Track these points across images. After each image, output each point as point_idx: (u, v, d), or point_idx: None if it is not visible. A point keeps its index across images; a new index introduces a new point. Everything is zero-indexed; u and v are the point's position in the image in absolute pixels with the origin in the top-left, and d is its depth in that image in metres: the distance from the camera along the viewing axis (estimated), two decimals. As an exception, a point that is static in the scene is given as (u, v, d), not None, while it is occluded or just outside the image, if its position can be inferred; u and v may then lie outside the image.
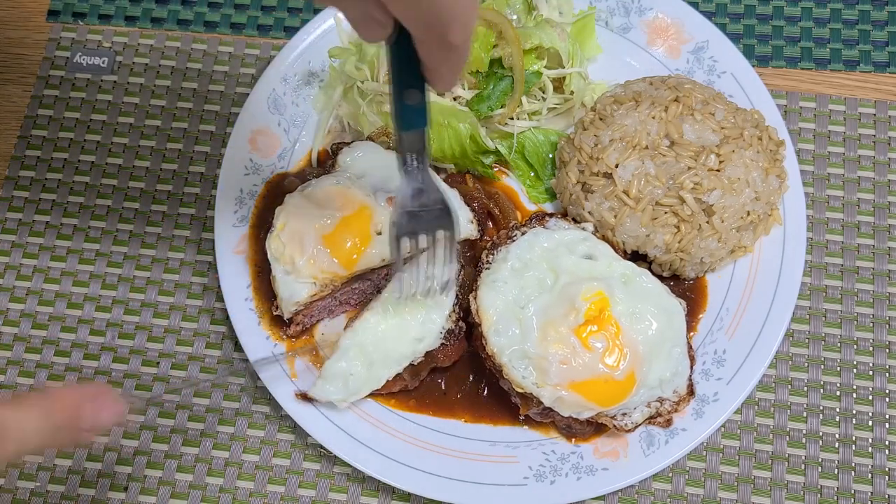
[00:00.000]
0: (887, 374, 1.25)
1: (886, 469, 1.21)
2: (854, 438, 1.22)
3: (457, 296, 1.21)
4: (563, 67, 1.34)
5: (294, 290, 1.21)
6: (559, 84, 1.36)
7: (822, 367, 1.26)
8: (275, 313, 1.25)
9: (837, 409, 1.24)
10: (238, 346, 1.28)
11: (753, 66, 1.38)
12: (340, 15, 1.23)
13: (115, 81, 1.48)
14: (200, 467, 1.24)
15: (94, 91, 1.48)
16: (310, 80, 1.41)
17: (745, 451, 1.22)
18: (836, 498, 1.19)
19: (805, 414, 1.24)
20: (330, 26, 1.42)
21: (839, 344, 1.27)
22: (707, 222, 1.20)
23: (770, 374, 1.25)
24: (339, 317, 1.29)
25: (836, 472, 1.21)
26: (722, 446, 1.22)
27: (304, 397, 1.20)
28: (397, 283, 1.12)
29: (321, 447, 1.21)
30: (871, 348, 1.26)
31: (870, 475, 1.20)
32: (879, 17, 1.46)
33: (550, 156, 1.36)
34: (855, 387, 1.25)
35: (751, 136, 1.24)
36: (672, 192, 1.20)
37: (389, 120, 1.32)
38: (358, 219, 1.22)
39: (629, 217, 1.21)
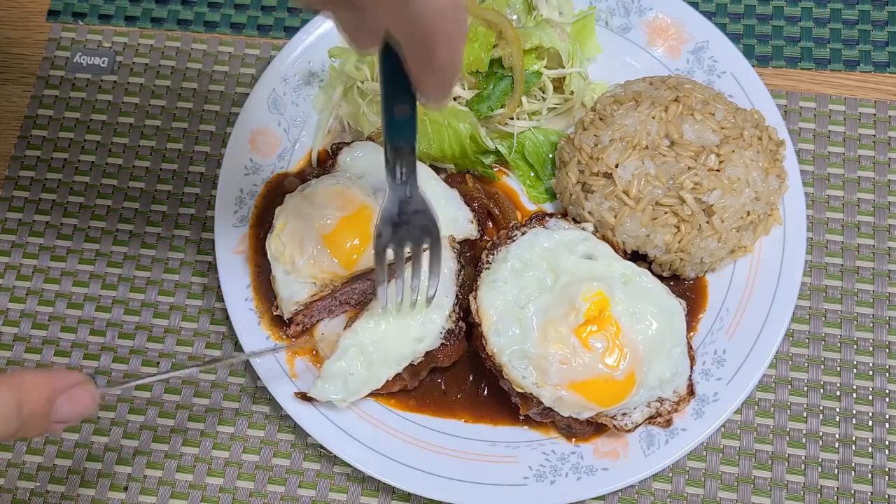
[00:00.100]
0: (887, 374, 1.25)
1: (886, 469, 1.21)
2: (854, 438, 1.22)
3: (457, 296, 1.21)
4: (563, 67, 1.34)
5: (294, 290, 1.21)
6: (559, 84, 1.36)
7: (822, 367, 1.26)
8: (275, 313, 1.25)
9: (837, 409, 1.24)
10: (238, 346, 1.28)
11: (753, 66, 1.38)
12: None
13: (115, 81, 1.48)
14: (200, 467, 1.24)
15: (94, 91, 1.48)
16: (310, 80, 1.41)
17: (745, 451, 1.22)
18: (836, 498, 1.19)
19: (805, 414, 1.24)
20: (330, 26, 1.42)
21: (839, 344, 1.27)
22: (707, 222, 1.20)
23: (770, 374, 1.25)
24: (339, 317, 1.29)
25: (836, 472, 1.21)
26: (722, 446, 1.22)
27: (304, 397, 1.20)
28: (382, 293, 1.11)
29: (321, 447, 1.21)
30: (871, 348, 1.26)
31: (870, 475, 1.20)
32: (879, 17, 1.46)
33: (550, 156, 1.36)
34: (855, 387, 1.25)
35: (751, 136, 1.24)
36: (672, 192, 1.20)
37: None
38: (358, 219, 1.22)
39: (629, 217, 1.21)
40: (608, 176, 1.23)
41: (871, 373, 1.25)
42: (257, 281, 1.28)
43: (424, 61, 0.77)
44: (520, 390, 1.14)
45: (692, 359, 1.21)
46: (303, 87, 1.41)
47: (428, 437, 1.21)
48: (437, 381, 1.24)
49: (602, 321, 1.13)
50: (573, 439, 1.19)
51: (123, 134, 1.45)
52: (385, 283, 1.09)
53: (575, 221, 1.26)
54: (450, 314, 1.19)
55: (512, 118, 1.34)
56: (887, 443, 1.22)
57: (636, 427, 1.17)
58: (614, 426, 1.16)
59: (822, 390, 1.25)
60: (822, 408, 1.24)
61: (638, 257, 1.25)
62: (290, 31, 1.47)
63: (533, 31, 1.31)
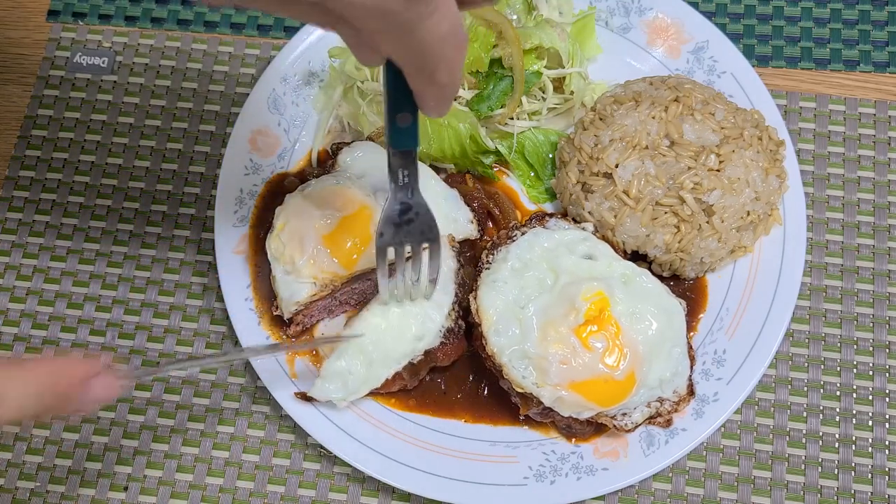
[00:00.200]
0: (887, 374, 1.25)
1: (886, 469, 1.21)
2: (854, 438, 1.22)
3: (456, 294, 1.21)
4: (563, 67, 1.34)
5: (294, 290, 1.21)
6: (559, 84, 1.36)
7: (822, 367, 1.26)
8: (275, 313, 1.25)
9: (837, 409, 1.24)
10: (238, 347, 1.28)
11: (753, 66, 1.38)
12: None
13: (115, 81, 1.48)
14: (200, 467, 1.24)
15: (94, 91, 1.48)
16: (310, 80, 1.41)
17: (745, 451, 1.22)
18: (836, 498, 1.19)
19: (805, 414, 1.24)
20: (330, 26, 1.42)
21: (839, 344, 1.27)
22: (707, 222, 1.20)
23: (770, 374, 1.25)
24: (339, 317, 1.29)
25: (836, 472, 1.21)
26: (722, 446, 1.22)
27: (304, 397, 1.20)
28: (383, 288, 1.14)
29: (321, 447, 1.21)
30: (871, 348, 1.26)
31: (870, 475, 1.20)
32: (879, 17, 1.46)
33: (550, 156, 1.36)
34: (855, 387, 1.25)
35: (751, 136, 1.24)
36: (672, 192, 1.20)
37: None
38: (358, 219, 1.22)
39: (629, 217, 1.21)
40: (608, 176, 1.23)
41: (871, 373, 1.25)
42: (257, 281, 1.28)
43: (427, 81, 0.81)
44: (520, 390, 1.14)
45: (692, 359, 1.21)
46: (303, 87, 1.41)
47: (428, 437, 1.21)
48: (437, 381, 1.24)
49: (602, 321, 1.13)
50: (573, 439, 1.19)
51: (123, 134, 1.45)
52: (386, 278, 1.12)
53: (575, 221, 1.26)
54: (449, 312, 1.19)
55: (512, 118, 1.34)
56: (887, 443, 1.22)
57: (636, 427, 1.17)
58: (614, 426, 1.16)
59: (822, 390, 1.25)
60: (822, 408, 1.24)
61: (638, 257, 1.25)
62: (290, 31, 1.47)
63: (533, 31, 1.31)
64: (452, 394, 1.24)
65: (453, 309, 1.20)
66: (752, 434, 1.23)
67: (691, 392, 1.19)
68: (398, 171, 1.00)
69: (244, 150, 1.36)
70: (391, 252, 1.08)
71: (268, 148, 1.37)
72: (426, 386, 1.24)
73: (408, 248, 1.09)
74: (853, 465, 1.21)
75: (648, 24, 1.41)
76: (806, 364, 1.26)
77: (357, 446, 1.19)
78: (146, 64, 1.49)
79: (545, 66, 1.33)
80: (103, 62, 1.49)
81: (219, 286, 1.28)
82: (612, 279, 1.17)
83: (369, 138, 1.35)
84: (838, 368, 1.26)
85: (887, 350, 1.26)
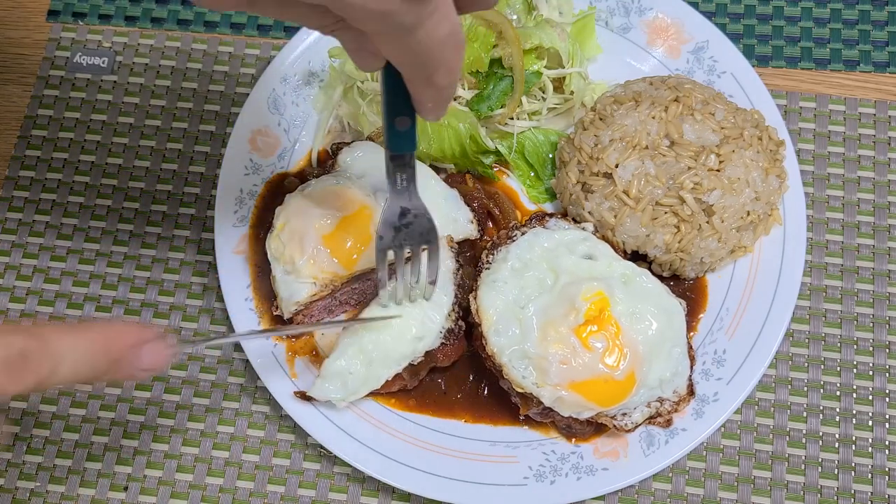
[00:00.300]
0: (887, 374, 1.25)
1: (886, 469, 1.21)
2: (854, 438, 1.22)
3: (456, 295, 1.21)
4: (563, 67, 1.34)
5: (294, 290, 1.21)
6: (559, 84, 1.36)
7: (822, 367, 1.26)
8: (275, 313, 1.25)
9: (837, 409, 1.24)
10: (238, 346, 1.28)
11: (753, 66, 1.38)
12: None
13: (115, 81, 1.48)
14: (200, 467, 1.24)
15: (94, 91, 1.48)
16: (310, 80, 1.41)
17: (745, 451, 1.22)
18: (836, 498, 1.19)
19: (805, 414, 1.24)
20: (330, 26, 1.42)
21: (839, 344, 1.27)
22: (707, 222, 1.20)
23: (770, 374, 1.25)
24: (339, 317, 1.29)
25: (836, 472, 1.21)
26: (722, 446, 1.22)
27: (304, 397, 1.20)
28: (383, 289, 1.14)
29: (321, 447, 1.21)
30: (871, 348, 1.26)
31: (870, 475, 1.20)
32: (879, 17, 1.46)
33: (550, 156, 1.36)
34: (855, 387, 1.25)
35: (751, 136, 1.24)
36: (672, 192, 1.20)
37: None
38: (358, 219, 1.22)
39: (629, 217, 1.21)
40: (608, 176, 1.23)
41: (871, 373, 1.25)
42: (257, 281, 1.28)
43: (425, 84, 0.81)
44: (520, 390, 1.14)
45: (692, 359, 1.21)
46: (303, 87, 1.41)
47: (428, 437, 1.21)
48: (437, 381, 1.24)
49: (602, 321, 1.13)
50: (573, 439, 1.19)
51: (123, 134, 1.45)
52: (386, 279, 1.12)
53: (575, 221, 1.26)
54: (449, 313, 1.19)
55: (512, 118, 1.34)
56: (887, 443, 1.22)
57: (636, 427, 1.17)
58: (614, 426, 1.16)
59: (822, 390, 1.25)
60: (822, 408, 1.24)
61: (638, 257, 1.25)
62: (290, 31, 1.47)
63: (533, 31, 1.31)
64: (452, 394, 1.24)
65: (453, 309, 1.20)
66: (752, 434, 1.23)
67: (691, 392, 1.19)
68: (396, 175, 1.01)
69: (244, 150, 1.36)
70: (391, 254, 1.09)
71: (268, 148, 1.37)
72: (426, 386, 1.24)
73: (407, 250, 1.10)
74: (853, 465, 1.21)
75: (648, 24, 1.41)
76: (806, 364, 1.26)
77: (357, 446, 1.19)
78: (146, 64, 1.49)
79: (545, 66, 1.33)
80: (103, 62, 1.49)
81: (219, 286, 1.28)
82: (612, 279, 1.17)
83: (369, 138, 1.35)
84: (838, 368, 1.26)
85: (887, 350, 1.26)
